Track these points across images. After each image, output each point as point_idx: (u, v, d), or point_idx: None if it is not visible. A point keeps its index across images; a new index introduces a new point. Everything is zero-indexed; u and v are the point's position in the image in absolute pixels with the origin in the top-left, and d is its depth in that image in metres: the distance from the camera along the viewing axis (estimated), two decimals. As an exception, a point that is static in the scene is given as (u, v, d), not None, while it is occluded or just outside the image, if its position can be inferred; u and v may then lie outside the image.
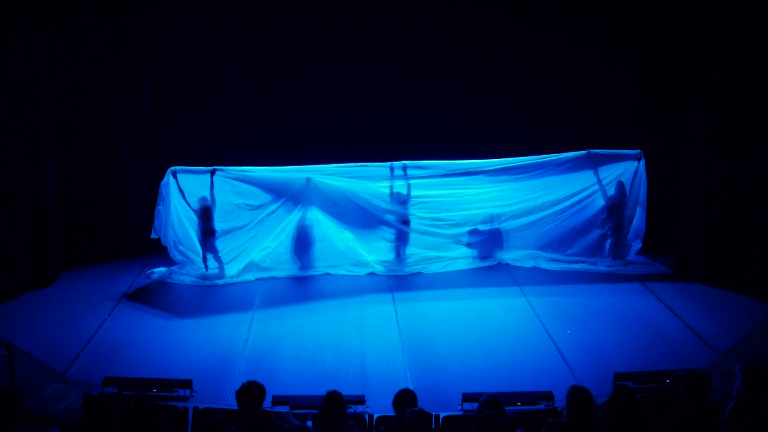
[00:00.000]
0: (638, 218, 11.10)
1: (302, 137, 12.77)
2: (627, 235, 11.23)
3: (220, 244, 10.81)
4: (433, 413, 6.28)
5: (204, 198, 10.60)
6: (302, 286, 10.81)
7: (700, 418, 5.57)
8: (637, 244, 11.18)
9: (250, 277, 10.88)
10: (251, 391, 5.81)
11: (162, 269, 10.94)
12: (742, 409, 5.53)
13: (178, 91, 12.40)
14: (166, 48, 12.16)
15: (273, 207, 10.85)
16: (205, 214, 10.64)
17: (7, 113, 10.00)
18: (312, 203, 10.90)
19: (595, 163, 11.04)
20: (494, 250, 11.43)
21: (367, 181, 10.87)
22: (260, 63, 12.74)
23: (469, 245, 11.37)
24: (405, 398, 6.01)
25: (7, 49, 9.88)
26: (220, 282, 10.72)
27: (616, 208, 11.16)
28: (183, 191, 10.57)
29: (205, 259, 10.81)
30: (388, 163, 10.84)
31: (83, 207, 11.43)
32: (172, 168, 10.49)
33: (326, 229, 11.11)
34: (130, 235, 11.91)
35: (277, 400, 6.98)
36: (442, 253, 11.34)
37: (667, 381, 7.35)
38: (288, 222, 10.97)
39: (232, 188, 10.69)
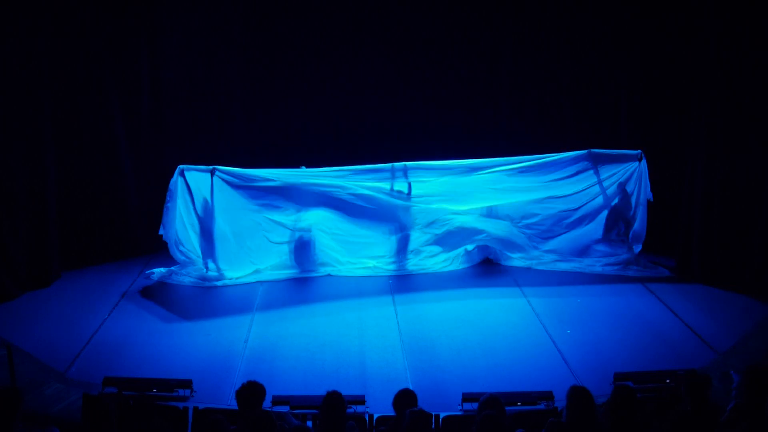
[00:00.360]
0: (639, 220, 11.05)
1: (302, 137, 12.79)
2: (626, 234, 11.19)
3: (220, 246, 10.72)
4: (433, 413, 6.28)
5: (205, 199, 10.55)
6: (302, 286, 10.80)
7: (700, 418, 5.57)
8: (637, 248, 11.14)
9: (250, 279, 10.84)
10: (251, 391, 5.81)
11: (162, 270, 10.92)
12: (742, 409, 5.53)
13: (178, 91, 12.40)
14: (166, 48, 12.16)
15: (273, 210, 10.77)
16: (205, 216, 10.59)
17: (7, 113, 9.99)
18: (312, 205, 10.83)
19: (595, 163, 11.02)
20: (492, 250, 11.43)
21: (368, 182, 10.82)
22: (260, 63, 12.75)
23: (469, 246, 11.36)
24: (405, 398, 6.01)
25: (7, 49, 9.88)
26: (219, 283, 10.69)
27: (617, 208, 11.14)
28: (190, 190, 10.43)
29: (205, 261, 10.77)
30: (390, 165, 10.78)
31: (83, 207, 11.42)
32: (181, 166, 10.39)
33: (326, 231, 11.06)
34: (130, 235, 11.90)
35: (277, 400, 6.97)
36: (442, 252, 11.31)
37: (667, 381, 7.35)
38: (288, 224, 10.90)
39: (233, 189, 10.54)
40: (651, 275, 10.86)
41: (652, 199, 10.91)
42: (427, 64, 12.90)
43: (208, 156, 10.97)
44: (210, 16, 12.38)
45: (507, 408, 5.75)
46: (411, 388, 6.41)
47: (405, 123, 12.79)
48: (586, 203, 11.24)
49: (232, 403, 7.10)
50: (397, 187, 10.95)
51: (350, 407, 6.56)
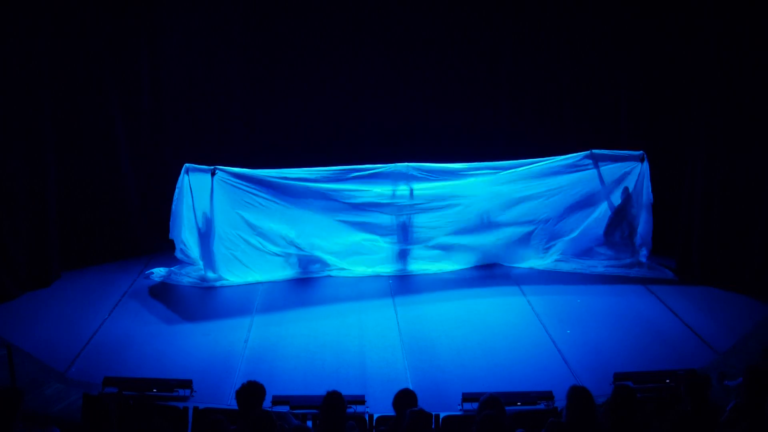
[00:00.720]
0: (644, 222, 10.99)
1: (302, 137, 12.77)
2: (630, 237, 11.16)
3: (218, 251, 10.61)
4: (433, 413, 6.28)
5: (205, 201, 10.37)
6: (302, 286, 10.79)
7: (700, 418, 5.58)
8: (644, 252, 11.07)
9: (249, 279, 10.81)
10: (251, 391, 5.81)
11: (161, 270, 10.91)
12: (742, 409, 5.53)
13: (178, 91, 12.40)
14: (166, 48, 12.16)
15: (274, 213, 10.65)
16: (204, 218, 10.51)
17: (7, 113, 10.00)
18: (313, 207, 10.76)
19: (597, 164, 11.00)
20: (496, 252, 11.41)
21: (370, 186, 10.73)
22: (260, 63, 12.74)
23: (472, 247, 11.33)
24: (405, 398, 6.01)
25: (7, 49, 9.88)
26: (218, 284, 10.64)
27: (619, 209, 11.10)
28: (192, 190, 10.34)
29: (204, 264, 10.71)
30: (392, 165, 10.72)
31: (83, 207, 11.42)
32: (187, 165, 10.32)
33: (327, 233, 10.96)
34: (130, 235, 11.90)
35: (277, 400, 6.97)
36: (443, 253, 11.27)
37: (667, 381, 7.35)
38: (289, 227, 10.81)
39: (234, 190, 10.43)
40: (654, 277, 10.82)
41: (652, 200, 10.90)
42: (427, 64, 12.89)
43: (208, 156, 10.95)
44: (210, 16, 12.38)
45: (507, 408, 5.76)
46: (411, 388, 6.41)
47: (405, 123, 12.77)
48: (588, 204, 11.19)
49: (232, 403, 7.09)
50: (399, 189, 10.86)
51: (350, 407, 6.55)
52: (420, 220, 11.08)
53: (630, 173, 10.99)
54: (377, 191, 10.80)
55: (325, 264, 11.04)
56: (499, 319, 9.59)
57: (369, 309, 9.96)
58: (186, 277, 10.74)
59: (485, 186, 10.95)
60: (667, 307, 9.85)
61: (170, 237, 10.63)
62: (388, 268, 11.14)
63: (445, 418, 6.39)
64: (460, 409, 7.05)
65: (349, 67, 12.85)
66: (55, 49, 10.59)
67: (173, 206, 10.42)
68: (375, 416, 6.66)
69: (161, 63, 12.12)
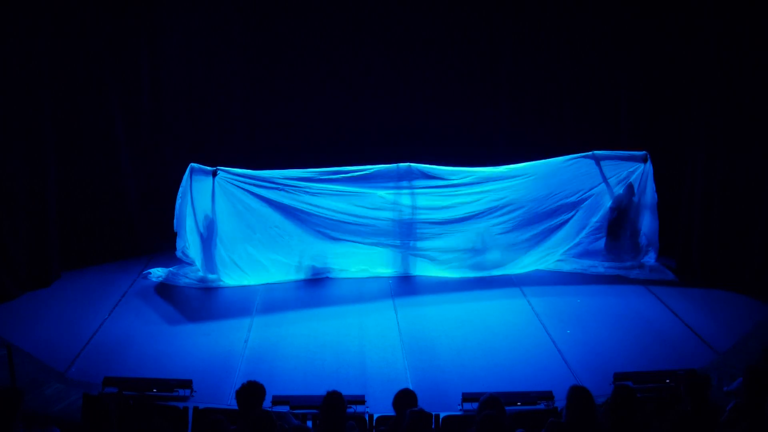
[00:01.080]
0: (649, 222, 10.96)
1: (302, 137, 12.76)
2: (633, 238, 11.13)
3: (219, 251, 10.58)
4: (433, 413, 6.28)
5: (207, 203, 10.33)
6: (302, 288, 10.77)
7: (700, 418, 5.58)
8: (651, 253, 11.03)
9: (248, 282, 10.76)
10: (251, 391, 5.81)
11: (160, 271, 10.91)
12: (742, 409, 5.53)
13: (178, 91, 12.40)
14: (166, 48, 12.16)
15: (275, 214, 10.58)
16: (205, 220, 10.48)
17: (7, 113, 10.00)
18: (314, 208, 10.65)
19: (600, 165, 10.96)
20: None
21: (371, 182, 10.67)
22: (260, 63, 12.74)
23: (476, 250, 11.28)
24: (405, 398, 6.02)
25: (7, 49, 9.88)
26: (216, 285, 10.63)
27: (622, 210, 11.06)
28: (194, 190, 10.28)
29: (204, 267, 10.70)
30: (394, 165, 10.62)
31: (83, 207, 11.42)
32: (192, 165, 10.26)
33: (328, 234, 10.85)
34: (130, 235, 11.90)
35: (277, 400, 6.98)
36: (445, 256, 11.19)
37: (667, 381, 7.36)
38: (289, 228, 10.70)
39: (236, 190, 10.36)
40: (657, 278, 10.77)
41: (657, 200, 10.86)
42: (427, 64, 12.88)
43: (208, 156, 10.95)
44: (210, 16, 12.38)
45: (507, 408, 5.76)
46: (411, 388, 6.42)
47: (405, 123, 12.76)
48: (590, 205, 11.15)
49: (232, 403, 7.10)
50: (401, 190, 10.75)
51: (350, 407, 6.56)
52: (422, 221, 10.96)
53: (633, 174, 10.95)
54: (379, 192, 10.70)
55: (326, 265, 11.00)
56: (499, 319, 9.59)
57: (369, 309, 9.96)
58: (184, 277, 10.71)
59: (487, 188, 10.91)
60: (667, 307, 9.85)
61: (175, 231, 10.47)
62: (389, 270, 11.11)
63: (445, 418, 6.39)
64: (460, 409, 7.06)
65: (349, 67, 12.84)
66: (55, 49, 10.59)
67: (177, 204, 10.34)
68: (375, 416, 6.66)
69: (161, 63, 12.12)
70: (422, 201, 10.85)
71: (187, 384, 7.61)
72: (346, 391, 5.81)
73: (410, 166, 10.69)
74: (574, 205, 11.12)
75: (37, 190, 10.47)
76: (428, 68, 12.90)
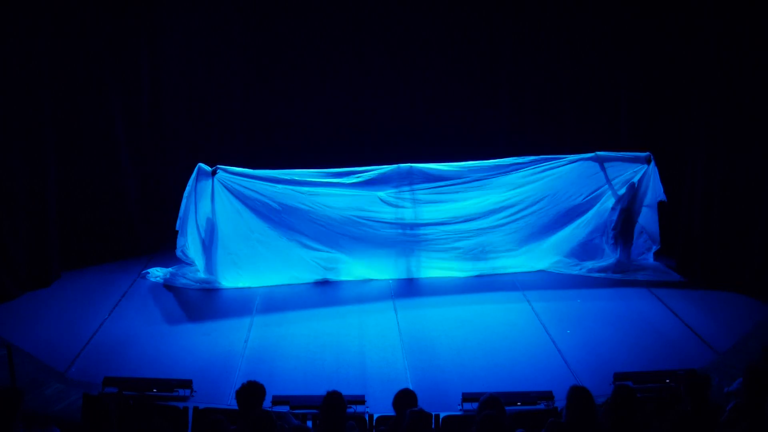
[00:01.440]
0: (650, 223, 10.93)
1: (302, 137, 12.76)
2: (635, 239, 11.11)
3: (218, 252, 10.53)
4: (433, 413, 6.28)
5: (207, 204, 10.31)
6: (302, 288, 10.76)
7: (700, 418, 5.58)
8: (652, 254, 11.03)
9: (248, 284, 10.71)
10: (251, 391, 5.82)
11: (160, 271, 10.90)
12: (742, 409, 5.53)
13: (178, 91, 12.39)
14: (166, 48, 12.15)
15: (275, 215, 10.51)
16: (207, 218, 10.43)
17: (7, 113, 9.99)
18: (314, 209, 10.61)
19: (603, 166, 10.92)
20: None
21: (372, 183, 10.61)
22: (260, 63, 12.73)
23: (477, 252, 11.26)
24: (405, 398, 6.02)
25: (7, 49, 9.88)
26: (214, 287, 10.62)
27: (625, 211, 11.04)
28: (197, 191, 10.19)
29: (205, 268, 10.67)
30: (395, 166, 10.59)
31: (83, 207, 11.41)
32: (200, 165, 10.18)
33: (329, 235, 10.78)
34: (130, 235, 11.89)
35: (277, 400, 6.97)
36: (446, 256, 11.16)
37: (667, 381, 7.35)
38: (290, 229, 10.64)
39: (236, 190, 10.31)
40: (656, 279, 10.75)
41: (665, 199, 10.84)
42: (427, 64, 12.88)
43: (208, 156, 10.92)
44: (210, 16, 12.37)
45: (507, 408, 5.76)
46: (411, 388, 6.42)
47: (405, 123, 12.75)
48: (592, 206, 11.12)
49: (232, 403, 7.10)
50: (401, 191, 10.67)
51: (350, 407, 6.55)
52: (423, 222, 10.90)
53: (636, 175, 10.87)
54: (380, 193, 10.65)
55: (326, 266, 10.95)
56: (499, 319, 9.59)
57: (369, 310, 9.95)
58: (184, 278, 10.67)
59: (489, 188, 10.87)
60: (667, 307, 9.85)
61: (176, 230, 10.43)
62: (390, 270, 11.07)
63: (445, 418, 6.39)
64: (460, 409, 7.05)
65: (349, 67, 12.84)
66: (55, 49, 10.59)
67: (183, 205, 10.28)
68: (375, 416, 6.66)
69: (161, 63, 12.11)
70: (423, 201, 10.82)
71: (187, 384, 7.61)
72: (346, 391, 5.81)
73: (411, 166, 10.67)
74: (578, 207, 11.09)
75: (37, 190, 10.47)
76: (428, 68, 12.89)
